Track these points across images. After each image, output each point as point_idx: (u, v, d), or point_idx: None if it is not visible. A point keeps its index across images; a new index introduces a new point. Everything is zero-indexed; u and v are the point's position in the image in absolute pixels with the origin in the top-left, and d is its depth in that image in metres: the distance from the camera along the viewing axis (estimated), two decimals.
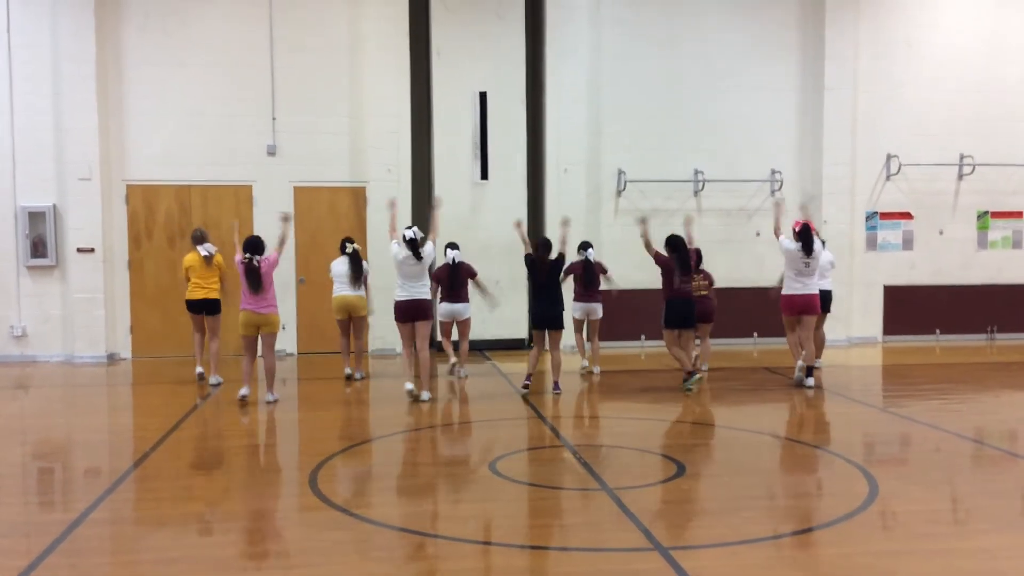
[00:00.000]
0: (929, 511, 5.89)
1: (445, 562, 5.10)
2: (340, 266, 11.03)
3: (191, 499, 6.31)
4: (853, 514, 5.75)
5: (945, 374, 11.70)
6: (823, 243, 11.04)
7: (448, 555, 5.18)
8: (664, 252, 10.23)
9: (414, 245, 9.53)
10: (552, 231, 13.42)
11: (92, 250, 12.75)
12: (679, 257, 10.12)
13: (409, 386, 9.69)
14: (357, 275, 10.95)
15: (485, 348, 13.49)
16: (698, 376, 10.19)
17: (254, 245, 9.46)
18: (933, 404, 9.74)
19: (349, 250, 10.99)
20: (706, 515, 5.94)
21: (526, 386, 10.08)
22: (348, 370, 11.22)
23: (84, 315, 12.77)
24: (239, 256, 9.51)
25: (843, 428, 8.73)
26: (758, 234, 14.02)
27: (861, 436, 8.38)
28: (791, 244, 10.26)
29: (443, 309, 11.02)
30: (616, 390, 10.39)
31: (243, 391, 9.59)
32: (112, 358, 12.95)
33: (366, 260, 11.51)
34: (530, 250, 10.21)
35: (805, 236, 10.16)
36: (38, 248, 12.79)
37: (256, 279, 9.37)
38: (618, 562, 5.00)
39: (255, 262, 9.35)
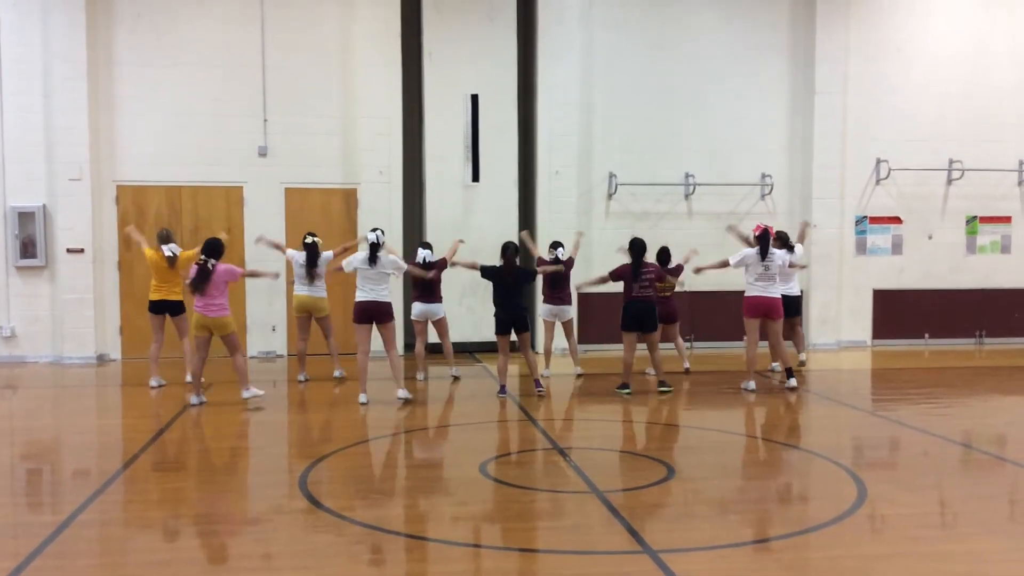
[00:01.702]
0: (918, 515, 5.92)
1: (434, 564, 5.11)
2: (300, 268, 10.90)
3: (180, 501, 6.30)
4: (842, 517, 5.77)
5: (934, 378, 11.75)
6: (792, 248, 11.19)
7: (437, 558, 5.18)
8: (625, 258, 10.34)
9: (374, 248, 9.54)
10: (544, 232, 13.46)
11: (82, 251, 12.70)
12: (634, 261, 10.14)
13: (363, 398, 9.68)
14: (311, 268, 10.81)
15: (475, 350, 13.50)
16: (629, 391, 10.21)
17: (212, 248, 9.45)
18: (922, 408, 9.78)
19: (308, 241, 10.86)
20: (695, 518, 5.95)
21: (502, 394, 10.08)
22: (302, 376, 11.12)
23: (73, 316, 12.72)
24: (192, 269, 9.48)
25: (832, 431, 8.76)
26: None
27: (850, 440, 8.42)
28: (746, 250, 10.39)
29: (416, 308, 10.98)
30: (605, 393, 10.39)
31: (194, 399, 9.57)
32: (101, 359, 12.90)
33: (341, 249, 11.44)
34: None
35: (763, 240, 10.27)
36: (28, 248, 12.74)
37: (203, 281, 9.28)
38: (608, 565, 5.01)
39: (209, 265, 9.34)
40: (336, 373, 11.27)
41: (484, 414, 9.31)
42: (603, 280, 10.45)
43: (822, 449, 7.80)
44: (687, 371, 11.62)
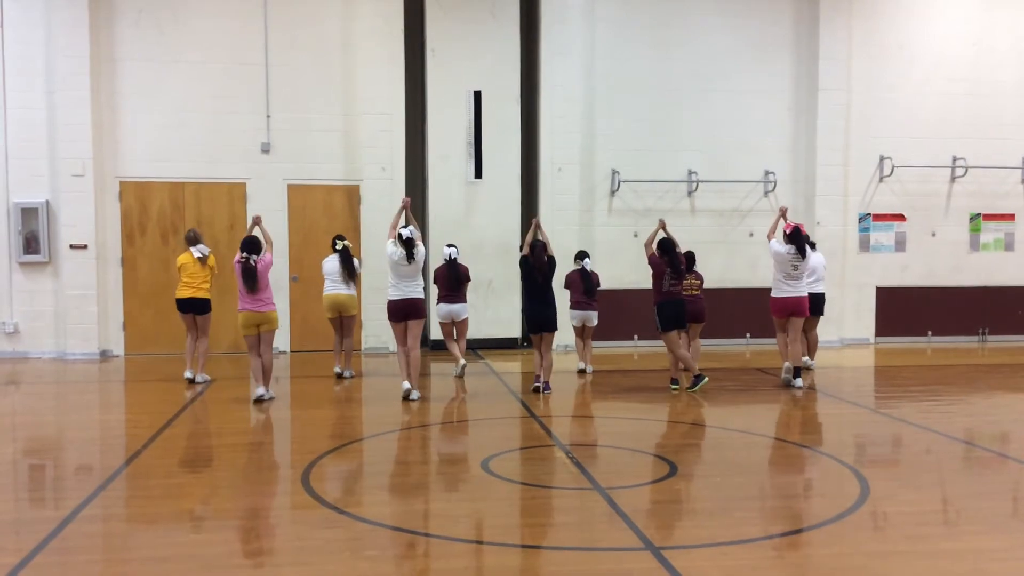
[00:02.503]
0: (920, 512, 5.91)
1: (437, 561, 5.10)
2: (331, 263, 11.02)
3: (183, 497, 6.30)
4: (844, 515, 5.76)
5: (937, 376, 11.74)
6: (813, 246, 11.11)
7: (440, 554, 5.18)
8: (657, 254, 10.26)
9: (410, 244, 9.53)
10: (546, 231, 13.43)
11: (85, 247, 12.73)
12: (670, 261, 10.14)
13: (406, 385, 9.67)
14: (349, 272, 10.93)
15: (479, 347, 13.49)
16: (705, 379, 10.20)
17: (251, 245, 9.47)
18: (924, 406, 9.77)
19: (339, 247, 10.97)
20: (698, 515, 5.95)
21: (536, 388, 10.09)
22: (338, 368, 11.21)
23: (77, 312, 12.75)
24: (238, 256, 9.50)
25: (835, 429, 8.75)
26: (751, 235, 14.05)
27: (853, 437, 8.41)
28: (781, 247, 10.32)
29: (441, 310, 11.01)
30: (609, 390, 10.40)
31: (259, 392, 9.55)
32: (105, 355, 12.92)
33: (358, 258, 11.51)
34: (526, 251, 10.19)
35: (796, 239, 10.20)
36: (31, 244, 12.76)
37: (253, 279, 9.38)
38: (610, 561, 5.01)
39: (252, 262, 9.36)
40: (338, 370, 11.20)
41: (488, 410, 9.32)
42: (651, 238, 10.31)
43: (825, 446, 7.80)
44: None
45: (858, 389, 11.03)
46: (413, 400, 9.60)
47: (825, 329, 14.20)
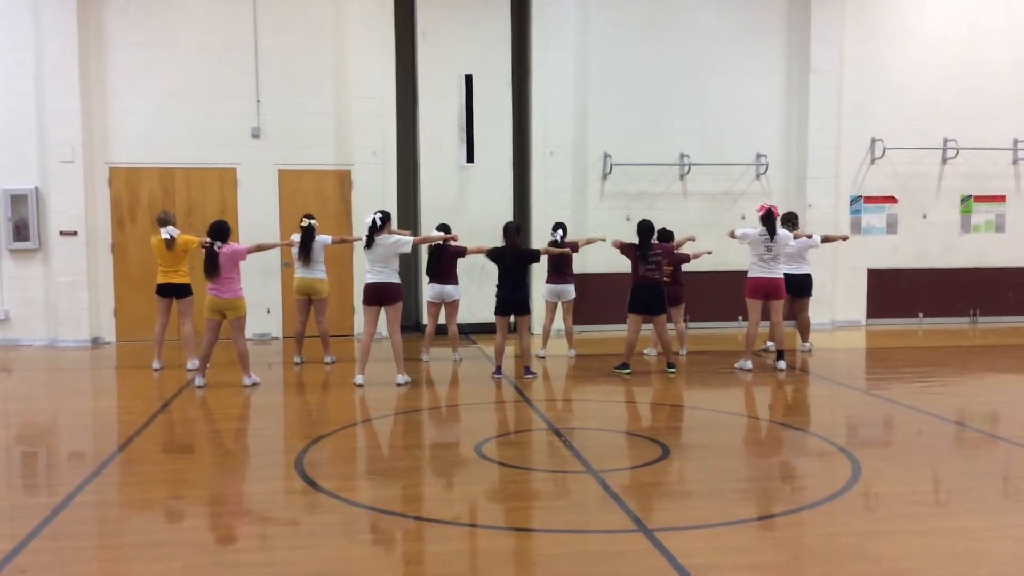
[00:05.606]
0: (911, 492, 5.95)
1: (431, 544, 5.12)
2: (296, 251, 10.81)
3: (176, 482, 6.30)
4: (836, 495, 5.80)
5: (928, 357, 11.79)
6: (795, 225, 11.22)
7: (434, 537, 5.20)
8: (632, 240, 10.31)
9: (372, 229, 9.49)
10: (538, 214, 13.47)
11: (75, 233, 12.65)
12: (642, 242, 10.15)
13: (359, 380, 9.62)
14: (307, 252, 10.68)
15: (471, 331, 13.49)
16: (629, 371, 10.22)
17: (218, 230, 9.43)
18: (916, 387, 9.81)
19: (305, 224, 10.77)
20: (690, 497, 5.98)
21: (497, 375, 10.11)
22: (298, 358, 11.08)
23: (67, 299, 12.69)
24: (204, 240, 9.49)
25: (826, 410, 8.79)
26: (743, 217, 14.03)
27: (844, 418, 8.45)
28: (752, 229, 10.36)
29: (432, 290, 10.99)
30: (599, 373, 10.41)
31: (199, 380, 9.58)
32: (96, 342, 12.88)
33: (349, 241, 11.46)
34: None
35: (768, 220, 10.23)
36: (20, 231, 12.69)
37: (212, 265, 9.29)
38: (603, 543, 5.03)
39: (216, 247, 9.32)
40: (327, 359, 11.13)
41: (480, 395, 9.33)
42: (613, 242, 10.45)
43: (817, 428, 7.84)
44: (681, 354, 11.56)
45: (850, 371, 11.07)
46: (401, 385, 9.59)
47: (817, 311, 14.21)
